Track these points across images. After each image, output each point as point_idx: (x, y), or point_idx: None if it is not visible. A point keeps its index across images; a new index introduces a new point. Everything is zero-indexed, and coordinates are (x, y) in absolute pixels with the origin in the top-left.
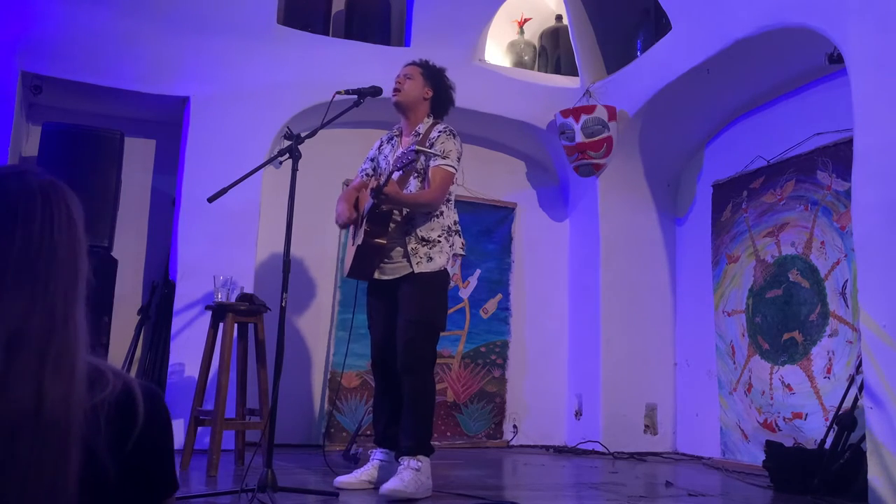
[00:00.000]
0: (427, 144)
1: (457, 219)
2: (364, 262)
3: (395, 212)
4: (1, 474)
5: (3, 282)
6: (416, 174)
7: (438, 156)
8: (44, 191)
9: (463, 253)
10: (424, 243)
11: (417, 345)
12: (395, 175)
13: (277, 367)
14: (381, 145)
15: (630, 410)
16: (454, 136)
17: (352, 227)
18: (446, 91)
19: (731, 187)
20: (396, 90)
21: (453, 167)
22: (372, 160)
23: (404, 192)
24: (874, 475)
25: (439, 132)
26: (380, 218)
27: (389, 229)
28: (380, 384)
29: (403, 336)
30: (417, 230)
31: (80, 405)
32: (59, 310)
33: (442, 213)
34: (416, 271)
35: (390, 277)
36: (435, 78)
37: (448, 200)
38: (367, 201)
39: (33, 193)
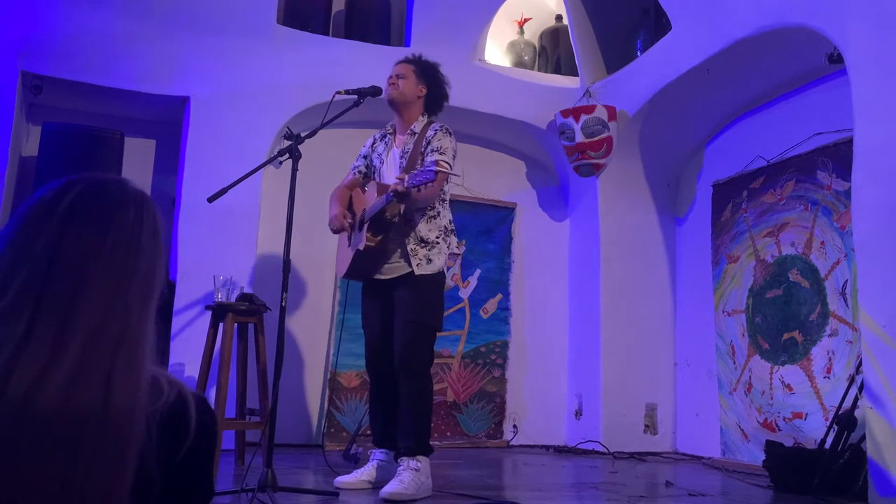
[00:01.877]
0: (423, 143)
1: (451, 218)
2: (363, 266)
3: (397, 217)
4: (68, 466)
5: (91, 277)
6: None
7: (436, 152)
8: (137, 199)
9: (458, 252)
10: (424, 244)
11: (415, 346)
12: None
13: (277, 367)
14: (374, 143)
15: (630, 410)
16: (450, 133)
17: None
18: (440, 87)
19: (731, 187)
20: (392, 88)
21: (449, 163)
22: (365, 157)
23: None
24: (874, 475)
25: (435, 130)
26: (384, 224)
27: (391, 234)
28: (375, 385)
29: (401, 337)
30: (417, 231)
31: (143, 408)
32: (135, 312)
33: (439, 213)
34: (416, 273)
35: (387, 277)
36: (428, 75)
37: (443, 200)
38: (363, 201)
39: (130, 200)
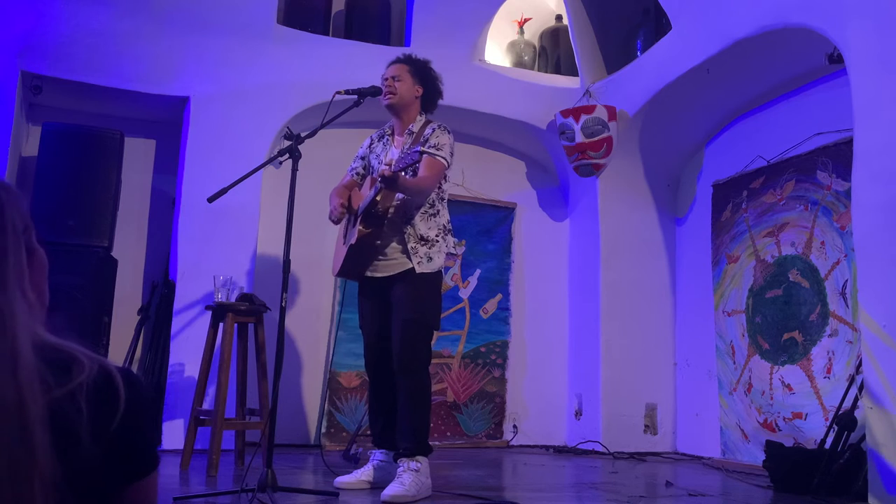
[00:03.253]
0: (421, 141)
1: (449, 217)
2: (356, 262)
3: (391, 210)
4: None
5: None
6: (410, 171)
7: (433, 148)
8: None
9: (456, 252)
10: (424, 243)
11: (414, 344)
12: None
13: (277, 367)
14: (371, 144)
15: (630, 410)
16: (448, 131)
17: (342, 226)
18: (434, 84)
19: (731, 187)
20: (389, 93)
21: (446, 159)
22: (363, 158)
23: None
24: (874, 475)
25: (433, 129)
26: (375, 217)
27: (385, 227)
28: (374, 384)
29: (400, 336)
30: (416, 228)
31: (32, 376)
32: None
33: (438, 211)
34: (417, 271)
35: (384, 275)
36: (423, 74)
37: (442, 199)
38: (360, 200)
39: None
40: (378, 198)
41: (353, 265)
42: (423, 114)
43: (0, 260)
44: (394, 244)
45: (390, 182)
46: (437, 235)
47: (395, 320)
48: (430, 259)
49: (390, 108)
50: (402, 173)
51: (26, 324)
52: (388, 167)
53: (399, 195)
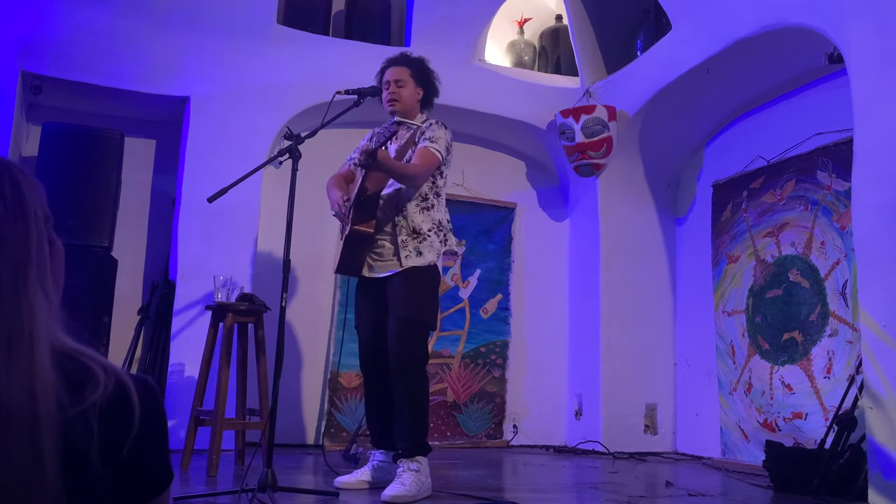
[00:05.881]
0: (418, 134)
1: (448, 217)
2: (352, 254)
3: (381, 197)
4: None
5: None
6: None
7: (427, 140)
8: None
9: (456, 250)
10: (415, 236)
11: (408, 344)
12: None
13: (277, 367)
14: (371, 137)
15: (630, 410)
16: (444, 127)
17: (340, 223)
18: (433, 84)
19: (731, 187)
20: (393, 100)
21: (440, 152)
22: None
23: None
24: (874, 475)
25: (430, 124)
26: (366, 204)
27: (377, 217)
28: (371, 385)
29: (394, 335)
30: (409, 220)
31: (49, 391)
32: (5, 289)
33: (433, 205)
34: (403, 265)
35: (380, 275)
36: (423, 76)
37: (438, 195)
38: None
39: None
40: (367, 184)
41: (350, 259)
42: (422, 112)
43: (22, 254)
44: (388, 244)
45: (371, 156)
46: (429, 230)
47: (391, 319)
48: (419, 253)
49: (393, 114)
50: (383, 147)
51: (46, 326)
52: (367, 147)
53: (391, 184)
